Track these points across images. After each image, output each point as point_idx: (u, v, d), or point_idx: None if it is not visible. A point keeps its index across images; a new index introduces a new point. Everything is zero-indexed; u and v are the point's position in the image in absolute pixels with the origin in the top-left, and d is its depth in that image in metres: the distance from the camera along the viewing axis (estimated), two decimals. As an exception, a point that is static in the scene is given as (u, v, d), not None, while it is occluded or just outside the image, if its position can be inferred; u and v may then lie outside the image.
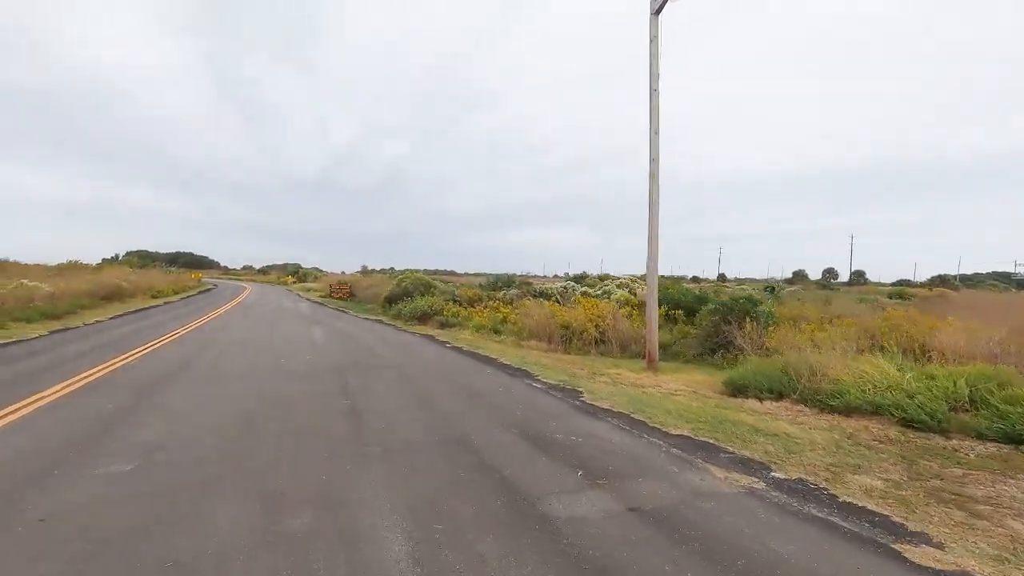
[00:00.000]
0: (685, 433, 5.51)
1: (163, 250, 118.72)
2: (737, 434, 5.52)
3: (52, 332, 12.16)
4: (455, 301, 19.58)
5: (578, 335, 12.27)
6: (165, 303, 23.56)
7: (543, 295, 21.51)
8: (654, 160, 9.85)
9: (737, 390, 7.64)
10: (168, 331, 12.72)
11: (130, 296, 24.15)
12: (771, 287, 25.71)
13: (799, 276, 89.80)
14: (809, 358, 7.40)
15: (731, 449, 5.04)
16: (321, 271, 60.93)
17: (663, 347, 11.61)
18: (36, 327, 13.01)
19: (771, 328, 10.29)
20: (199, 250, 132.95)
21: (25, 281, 18.73)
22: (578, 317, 12.75)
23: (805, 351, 7.93)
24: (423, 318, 17.18)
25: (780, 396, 7.18)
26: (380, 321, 18.16)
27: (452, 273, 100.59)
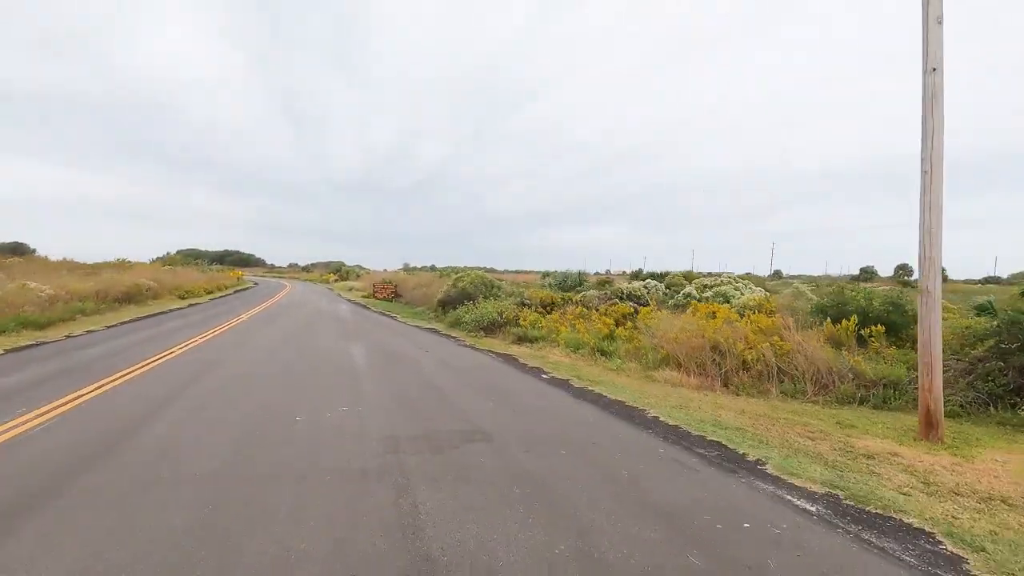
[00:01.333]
0: None
1: (213, 249, 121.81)
2: None
3: (7, 351, 8.98)
4: (525, 305, 15.72)
5: (738, 362, 8.13)
6: (190, 305, 20.73)
7: (632, 297, 17.39)
8: (934, 70, 5.59)
9: None
10: (164, 348, 9.35)
11: (154, 297, 21.50)
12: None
13: (868, 273, 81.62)
14: None
15: None
16: (364, 268, 58.38)
17: (879, 384, 7.37)
18: (1, 341, 9.97)
19: None
20: (247, 249, 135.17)
21: (28, 283, 16.09)
22: (727, 334, 8.61)
23: None
24: (490, 328, 13.37)
25: None
26: (435, 331, 14.45)
27: (492, 271, 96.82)
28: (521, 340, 11.92)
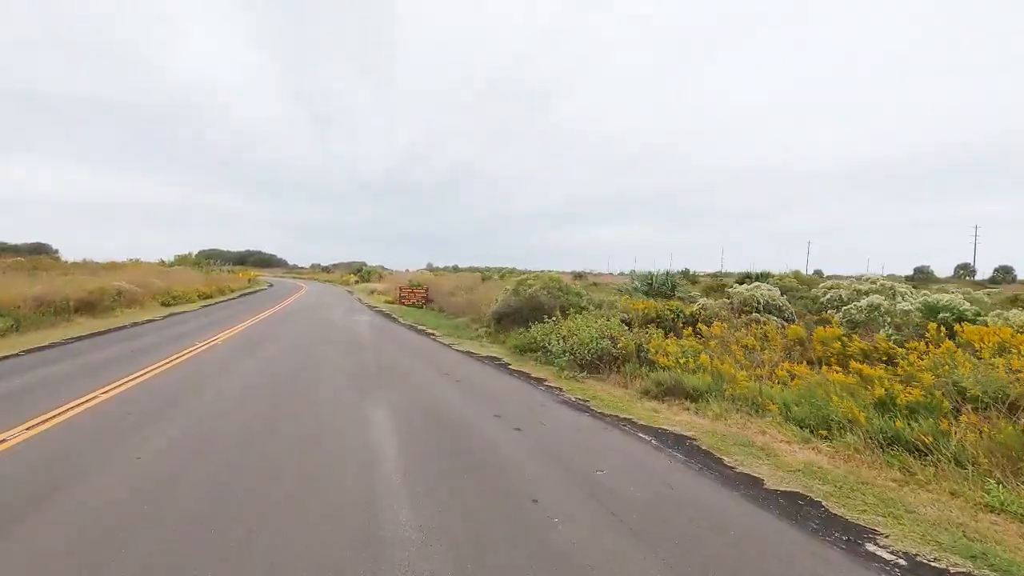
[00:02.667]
0: None
1: (235, 249, 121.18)
2: None
3: None
4: (624, 323, 10.61)
5: None
6: (169, 316, 16.15)
7: (770, 309, 12.17)
8: None
9: None
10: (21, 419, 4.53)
11: (128, 304, 17.05)
12: None
13: (923, 274, 73.50)
14: None
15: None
16: (386, 269, 53.86)
17: None
18: None
19: None
20: (270, 249, 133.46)
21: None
22: None
23: None
24: (594, 365, 8.25)
25: None
26: (499, 362, 9.40)
27: (513, 272, 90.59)
28: (668, 393, 6.76)
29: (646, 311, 11.45)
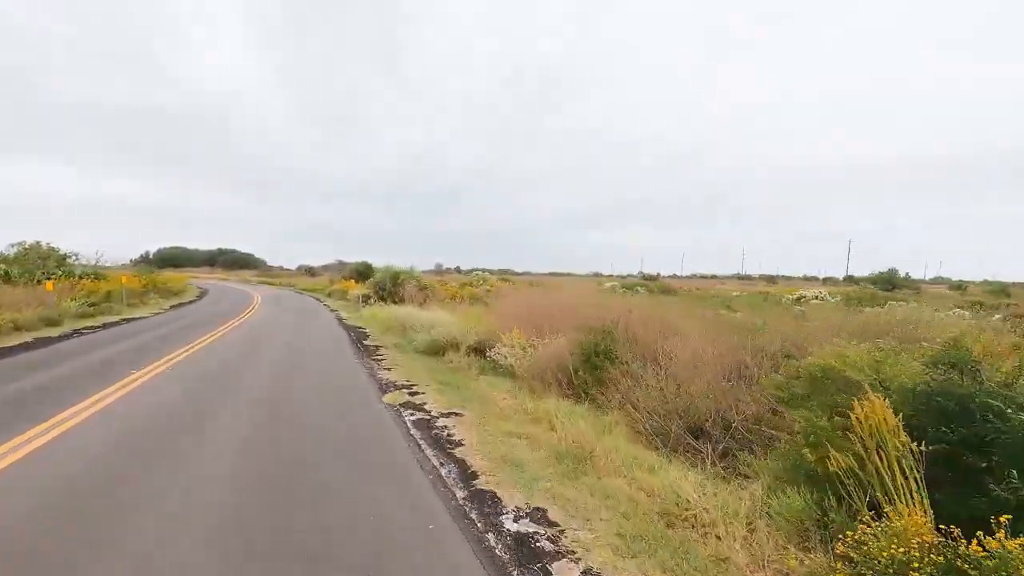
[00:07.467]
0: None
1: (205, 248, 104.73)
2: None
3: None
4: None
5: None
6: None
7: None
8: None
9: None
10: None
11: None
12: None
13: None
14: None
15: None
16: (414, 274, 29.36)
17: None
18: None
19: None
20: (249, 248, 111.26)
21: None
22: None
23: None
24: None
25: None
26: None
27: (509, 272, 69.92)
28: None
29: None
